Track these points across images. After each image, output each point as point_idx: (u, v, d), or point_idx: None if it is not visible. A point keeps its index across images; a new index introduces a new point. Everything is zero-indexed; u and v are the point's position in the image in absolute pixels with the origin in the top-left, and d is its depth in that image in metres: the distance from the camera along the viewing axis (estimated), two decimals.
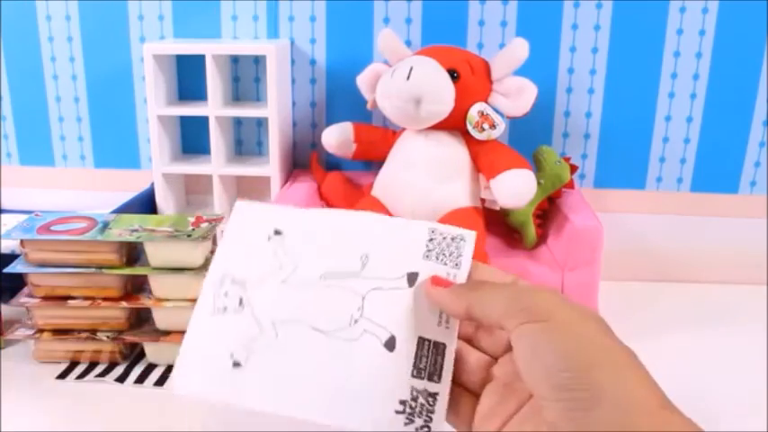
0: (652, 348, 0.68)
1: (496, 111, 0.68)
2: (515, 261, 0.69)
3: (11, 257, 0.63)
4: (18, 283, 0.63)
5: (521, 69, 0.68)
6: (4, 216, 0.80)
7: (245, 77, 0.85)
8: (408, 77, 0.66)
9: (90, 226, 0.63)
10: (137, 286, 0.63)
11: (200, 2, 0.83)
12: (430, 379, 0.39)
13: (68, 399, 0.58)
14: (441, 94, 0.67)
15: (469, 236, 0.41)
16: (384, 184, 0.72)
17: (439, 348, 0.39)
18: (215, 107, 0.78)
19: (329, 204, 0.78)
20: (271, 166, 0.79)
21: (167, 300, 0.61)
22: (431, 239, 0.41)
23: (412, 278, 0.40)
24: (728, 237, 0.83)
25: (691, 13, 0.78)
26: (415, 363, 0.39)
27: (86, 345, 0.62)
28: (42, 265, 0.61)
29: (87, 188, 0.90)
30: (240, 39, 0.84)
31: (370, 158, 0.79)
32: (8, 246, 0.69)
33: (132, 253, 0.63)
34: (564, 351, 0.31)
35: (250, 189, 0.85)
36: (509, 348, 0.38)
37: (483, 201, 0.74)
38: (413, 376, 0.39)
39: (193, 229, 0.62)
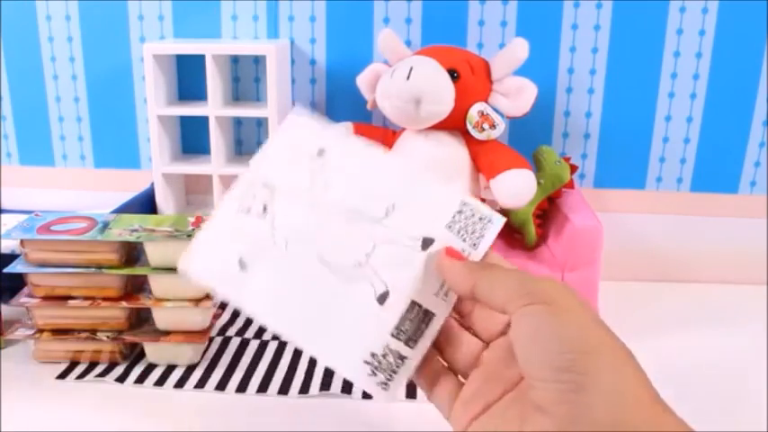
0: (652, 348, 0.68)
1: (496, 111, 0.68)
2: (515, 261, 0.69)
3: (11, 257, 0.63)
4: (18, 283, 0.63)
5: (521, 69, 0.68)
6: (4, 216, 0.80)
7: (245, 77, 0.85)
8: (408, 77, 0.66)
9: (90, 226, 0.63)
10: (137, 286, 0.63)
11: (200, 2, 0.83)
12: (406, 343, 0.40)
13: (68, 399, 0.58)
14: (441, 94, 0.67)
15: (498, 220, 0.41)
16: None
17: (427, 317, 0.40)
18: (215, 107, 0.78)
19: None
20: None
21: (167, 300, 0.61)
22: (460, 211, 0.41)
23: (427, 243, 0.41)
24: (728, 237, 0.83)
25: (691, 13, 0.78)
26: (398, 323, 0.40)
27: (86, 345, 0.62)
28: (42, 265, 0.61)
29: (87, 188, 0.90)
30: (240, 39, 0.84)
31: None
32: (8, 246, 0.69)
33: (132, 253, 0.63)
34: (566, 334, 0.32)
35: None
36: (502, 333, 0.39)
37: (483, 201, 0.74)
38: (392, 335, 0.40)
39: (193, 229, 0.62)
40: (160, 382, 0.60)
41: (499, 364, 0.38)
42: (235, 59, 0.84)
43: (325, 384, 0.59)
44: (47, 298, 0.62)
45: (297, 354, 0.64)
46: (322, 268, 0.41)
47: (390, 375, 0.39)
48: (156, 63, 0.78)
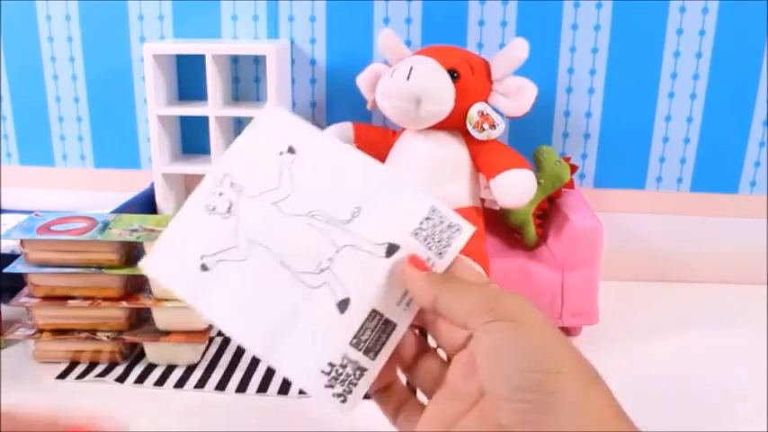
0: (652, 348, 0.68)
1: (496, 111, 0.68)
2: (515, 261, 0.69)
3: (11, 257, 0.63)
4: (18, 283, 0.63)
5: (521, 69, 0.68)
6: (4, 216, 0.80)
7: (245, 77, 0.85)
8: (408, 77, 0.66)
9: (90, 226, 0.63)
10: (137, 286, 0.63)
11: (200, 2, 0.83)
12: (366, 353, 0.39)
13: (68, 399, 0.58)
14: (441, 94, 0.67)
15: (467, 229, 0.40)
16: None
17: (388, 327, 0.39)
18: (215, 107, 0.78)
19: None
20: None
21: (167, 300, 0.61)
22: (428, 218, 0.40)
23: (391, 250, 0.39)
24: (728, 237, 0.83)
25: (691, 13, 0.78)
26: (357, 332, 0.39)
27: (86, 345, 0.62)
28: (42, 265, 0.61)
29: (87, 188, 0.90)
30: (240, 39, 0.84)
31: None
32: (8, 246, 0.69)
33: (132, 253, 0.63)
34: (530, 353, 0.31)
35: None
36: (463, 347, 0.37)
37: (483, 201, 0.74)
38: (350, 344, 0.39)
39: None
40: (160, 382, 0.60)
41: (462, 380, 0.36)
42: (235, 59, 0.84)
43: None
44: (47, 298, 0.62)
45: None
46: (284, 273, 0.39)
47: (349, 387, 0.38)
48: (156, 63, 0.78)
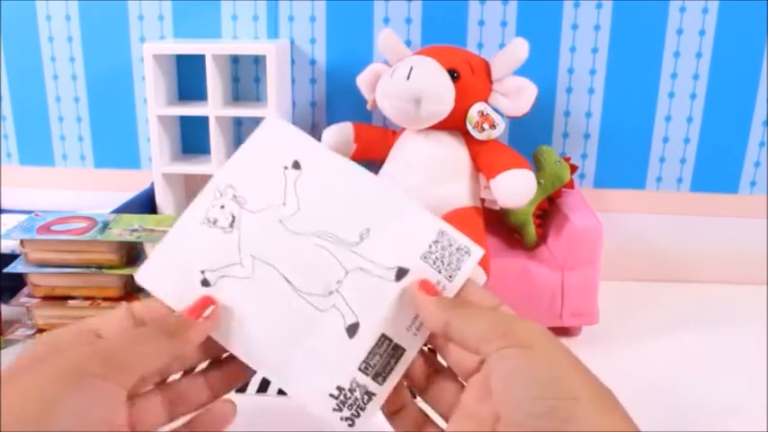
0: (652, 348, 0.68)
1: (496, 111, 0.68)
2: (515, 261, 0.69)
3: (11, 257, 0.63)
4: (18, 283, 0.63)
5: (521, 69, 0.68)
6: (4, 216, 0.80)
7: (245, 77, 0.85)
8: (408, 77, 0.66)
9: (90, 226, 0.63)
10: (137, 286, 0.62)
11: (200, 2, 0.83)
12: (375, 378, 0.38)
13: None
14: (441, 94, 0.67)
15: (476, 252, 0.39)
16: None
17: (397, 351, 0.38)
18: (215, 107, 0.78)
19: None
20: None
21: None
22: (436, 241, 0.40)
23: (401, 274, 0.39)
24: (728, 237, 0.83)
25: (691, 13, 0.78)
26: (367, 357, 0.38)
27: None
28: (42, 265, 0.61)
29: (87, 188, 0.90)
30: (240, 39, 0.84)
31: (370, 158, 0.78)
32: (8, 246, 0.69)
33: (132, 253, 0.63)
34: (544, 379, 0.31)
35: None
36: (476, 371, 0.37)
37: (483, 201, 0.74)
38: (359, 369, 0.38)
39: None
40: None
41: (477, 403, 0.36)
42: (235, 59, 0.84)
43: None
44: (47, 298, 0.62)
45: None
46: (290, 293, 0.39)
47: (357, 412, 0.38)
48: (156, 63, 0.77)
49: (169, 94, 0.82)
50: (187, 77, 0.84)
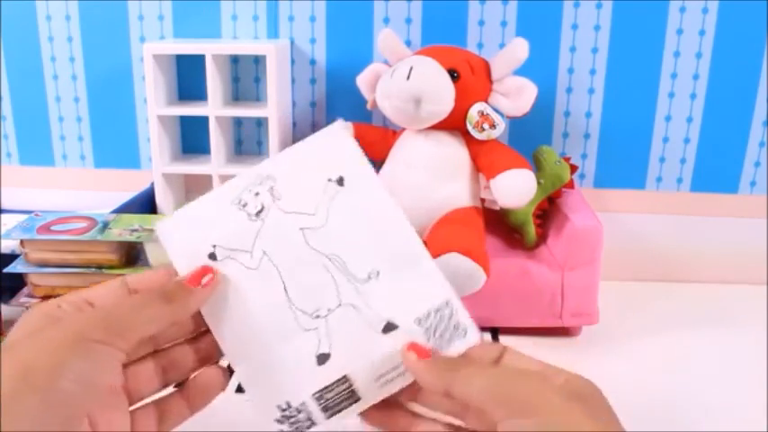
0: (652, 348, 0.68)
1: (496, 111, 0.68)
2: (515, 261, 0.69)
3: (11, 257, 0.63)
4: (18, 283, 0.63)
5: (521, 69, 0.68)
6: (4, 216, 0.80)
7: (245, 77, 0.85)
8: (408, 77, 0.66)
9: (90, 226, 0.63)
10: None
11: (200, 2, 0.83)
12: (323, 410, 0.38)
13: None
14: (441, 94, 0.67)
15: (472, 337, 0.38)
16: (384, 184, 0.72)
17: (352, 396, 0.38)
18: (215, 107, 0.78)
19: None
20: None
21: None
22: (438, 310, 0.39)
23: (389, 328, 0.38)
24: (728, 237, 0.83)
25: (691, 13, 0.78)
26: (323, 389, 0.38)
27: None
28: (42, 265, 0.61)
29: (87, 188, 0.90)
30: (240, 39, 0.84)
31: (370, 158, 0.78)
32: (8, 246, 0.69)
33: (132, 253, 0.63)
34: None
35: None
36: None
37: (483, 201, 0.74)
38: (313, 396, 0.38)
39: None
40: None
41: None
42: (235, 59, 0.84)
43: None
44: (47, 298, 0.62)
45: None
46: (282, 301, 0.39)
47: (297, 431, 0.38)
48: (156, 63, 0.77)
49: (169, 94, 0.82)
50: (187, 77, 0.84)
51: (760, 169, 0.82)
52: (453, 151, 0.70)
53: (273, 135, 0.78)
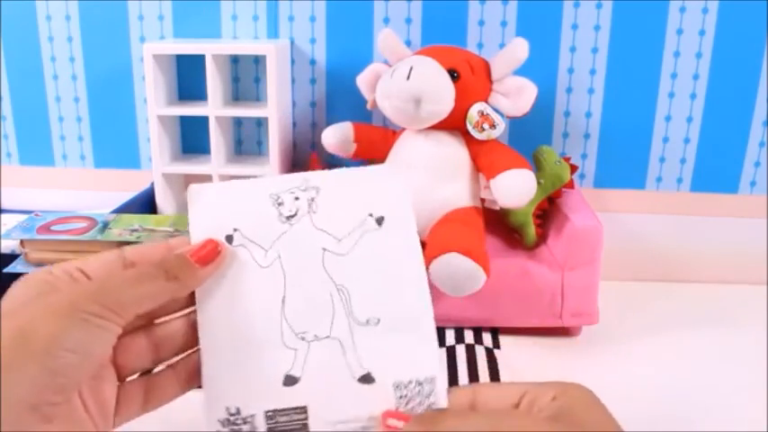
0: (652, 348, 0.68)
1: (496, 111, 0.68)
2: (515, 261, 0.69)
3: (11, 257, 0.63)
4: None
5: (521, 69, 0.68)
6: (4, 216, 0.80)
7: (245, 77, 0.85)
8: (408, 77, 0.66)
9: (90, 226, 0.63)
10: None
11: (200, 2, 0.83)
12: (269, 429, 0.37)
13: None
14: (441, 94, 0.67)
15: (443, 401, 0.37)
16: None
17: (302, 430, 0.37)
18: (215, 107, 0.78)
19: None
20: (271, 166, 0.79)
21: None
22: (420, 383, 0.37)
23: (365, 380, 0.37)
24: (728, 237, 0.83)
25: (691, 13, 0.78)
26: (278, 410, 0.37)
27: None
28: (42, 265, 0.61)
29: (87, 188, 0.90)
30: (240, 39, 0.84)
31: (370, 158, 0.79)
32: (8, 246, 0.69)
33: None
34: None
35: None
36: None
37: (483, 201, 0.74)
38: (265, 413, 0.37)
39: None
40: None
41: None
42: (235, 59, 0.84)
43: None
44: None
45: None
46: (277, 310, 0.38)
47: None
48: (156, 63, 0.78)
49: (169, 94, 0.82)
50: (187, 77, 0.84)
51: (760, 169, 0.82)
52: (453, 151, 0.70)
53: (273, 135, 0.78)
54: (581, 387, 0.34)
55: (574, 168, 0.75)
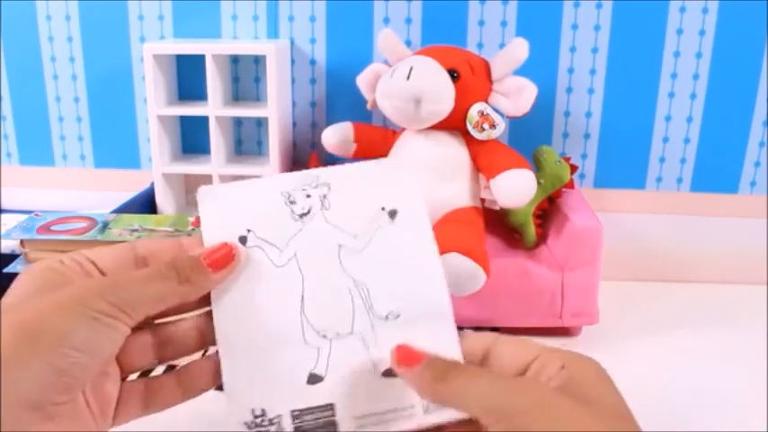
0: (652, 348, 0.68)
1: (496, 111, 0.68)
2: (515, 261, 0.69)
3: (11, 257, 0.63)
4: None
5: (521, 69, 0.68)
6: (4, 216, 0.80)
7: (245, 77, 0.85)
8: (408, 77, 0.66)
9: (90, 226, 0.63)
10: None
11: (200, 2, 0.83)
12: (296, 430, 0.36)
13: None
14: (441, 94, 0.67)
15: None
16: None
17: (329, 428, 0.37)
18: (215, 107, 0.78)
19: None
20: (271, 166, 0.79)
21: None
22: None
23: (389, 373, 0.37)
24: (728, 237, 0.83)
25: (691, 13, 0.78)
26: (304, 409, 0.37)
27: None
28: None
29: (87, 188, 0.90)
30: (240, 39, 0.84)
31: (371, 158, 0.78)
32: (8, 246, 0.69)
33: None
34: None
35: None
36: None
37: (483, 201, 0.74)
38: (291, 413, 0.37)
39: (193, 229, 0.62)
40: None
41: None
42: (235, 59, 0.84)
43: None
44: None
45: None
46: (296, 310, 0.38)
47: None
48: (156, 63, 0.77)
49: (169, 94, 0.82)
50: (187, 77, 0.84)
51: (760, 169, 0.82)
52: (453, 151, 0.70)
53: (273, 135, 0.78)
54: (592, 361, 0.33)
55: (574, 168, 0.75)
